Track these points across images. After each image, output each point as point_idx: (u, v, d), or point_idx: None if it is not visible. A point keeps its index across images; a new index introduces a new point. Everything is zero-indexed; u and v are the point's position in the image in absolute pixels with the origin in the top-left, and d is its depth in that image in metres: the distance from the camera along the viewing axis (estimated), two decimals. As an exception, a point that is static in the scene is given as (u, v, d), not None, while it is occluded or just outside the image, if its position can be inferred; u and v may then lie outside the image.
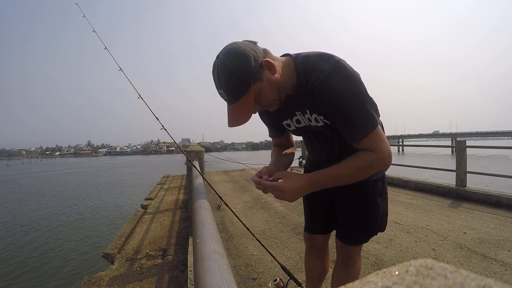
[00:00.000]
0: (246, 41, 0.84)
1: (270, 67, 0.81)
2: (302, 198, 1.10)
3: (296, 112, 0.95)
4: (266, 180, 0.86)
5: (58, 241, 6.36)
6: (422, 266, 0.20)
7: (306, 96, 0.86)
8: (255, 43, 0.84)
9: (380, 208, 1.07)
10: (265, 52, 0.83)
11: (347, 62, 0.84)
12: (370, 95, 0.85)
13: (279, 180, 0.86)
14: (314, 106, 0.88)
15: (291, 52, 0.91)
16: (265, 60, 0.80)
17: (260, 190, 0.90)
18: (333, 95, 0.79)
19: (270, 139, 1.19)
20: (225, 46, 0.81)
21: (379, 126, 0.84)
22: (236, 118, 0.83)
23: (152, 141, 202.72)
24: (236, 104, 0.81)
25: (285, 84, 0.85)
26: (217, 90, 0.81)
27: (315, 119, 0.92)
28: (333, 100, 0.80)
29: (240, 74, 0.77)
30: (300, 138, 1.17)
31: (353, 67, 0.84)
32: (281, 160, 1.08)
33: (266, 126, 1.15)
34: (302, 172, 1.27)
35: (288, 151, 1.14)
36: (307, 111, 0.91)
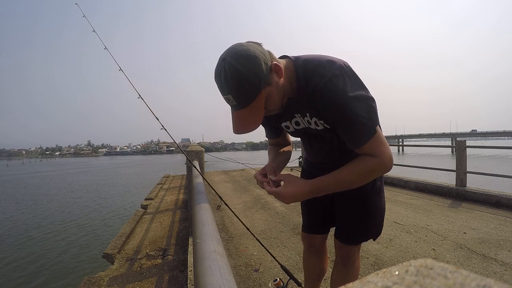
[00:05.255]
0: (251, 42, 0.79)
1: (278, 70, 0.78)
2: None
3: (296, 115, 0.94)
4: (268, 184, 0.88)
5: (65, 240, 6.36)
6: (422, 266, 0.20)
7: (306, 99, 0.84)
8: (259, 44, 0.79)
9: (379, 208, 1.07)
10: (270, 54, 0.80)
11: (349, 65, 0.82)
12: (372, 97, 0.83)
13: (281, 182, 0.88)
14: (314, 110, 0.86)
15: (290, 54, 0.89)
16: (274, 63, 0.77)
17: (262, 188, 0.91)
18: (334, 100, 0.78)
19: None
20: (231, 48, 0.76)
21: (380, 130, 0.82)
22: (245, 124, 0.79)
23: (152, 141, 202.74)
24: (245, 110, 0.76)
25: (287, 88, 0.83)
26: (223, 95, 0.76)
27: (315, 122, 0.90)
28: (334, 105, 0.79)
29: (252, 78, 0.72)
30: (298, 139, 1.16)
31: (354, 71, 0.82)
32: (280, 158, 1.08)
33: (263, 127, 1.14)
34: (300, 173, 1.28)
35: (285, 149, 1.14)
36: (307, 114, 0.90)
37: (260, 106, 0.77)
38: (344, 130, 0.83)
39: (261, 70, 0.73)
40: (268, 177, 0.91)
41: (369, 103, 0.81)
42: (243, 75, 0.71)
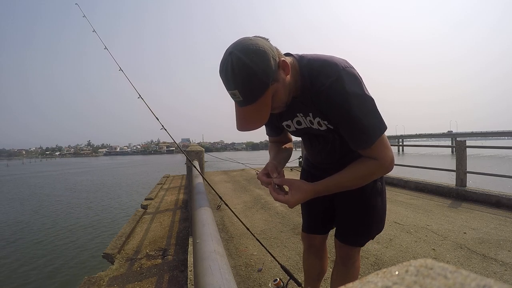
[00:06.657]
0: (259, 37, 0.76)
1: (285, 67, 0.76)
2: None
3: (298, 114, 0.93)
4: (273, 189, 0.89)
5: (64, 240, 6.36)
6: (422, 266, 0.20)
7: (310, 99, 0.83)
8: (267, 40, 0.77)
9: (380, 208, 1.07)
10: (278, 51, 0.78)
11: (353, 67, 0.81)
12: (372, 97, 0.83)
13: (285, 187, 0.90)
14: (318, 110, 0.86)
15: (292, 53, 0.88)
16: (282, 60, 0.75)
17: (267, 188, 0.92)
18: (340, 102, 0.77)
19: None
20: (239, 42, 0.73)
21: (384, 133, 0.82)
22: (250, 121, 0.77)
23: (152, 141, 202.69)
24: (251, 106, 0.74)
25: (292, 86, 0.82)
26: (229, 90, 0.73)
27: (318, 123, 0.90)
28: (339, 106, 0.78)
29: (260, 74, 0.69)
30: (298, 139, 1.16)
31: (358, 72, 0.81)
32: (281, 155, 1.08)
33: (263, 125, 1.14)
34: (300, 173, 1.28)
35: (286, 145, 1.14)
36: (310, 114, 0.89)
37: (267, 103, 0.74)
38: (348, 132, 0.83)
39: (270, 66, 0.71)
40: (272, 176, 0.91)
41: (373, 106, 0.81)
42: (251, 70, 0.69)
